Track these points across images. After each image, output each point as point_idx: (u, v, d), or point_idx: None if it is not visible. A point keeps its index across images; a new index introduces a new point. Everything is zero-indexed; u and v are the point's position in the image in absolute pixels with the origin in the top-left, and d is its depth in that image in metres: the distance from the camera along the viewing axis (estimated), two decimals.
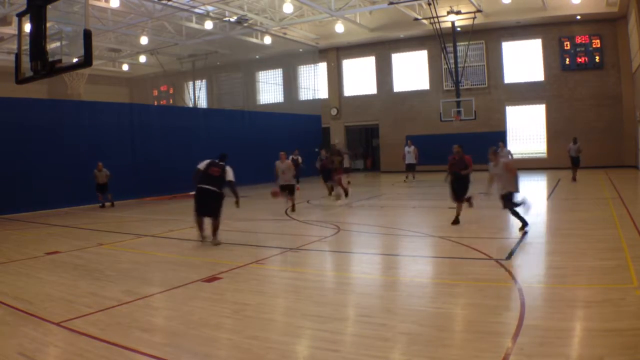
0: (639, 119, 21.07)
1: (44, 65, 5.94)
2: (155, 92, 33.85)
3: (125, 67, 32.25)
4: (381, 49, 28.00)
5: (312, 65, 28.89)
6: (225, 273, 6.69)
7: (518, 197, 8.80)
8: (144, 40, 24.91)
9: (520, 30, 24.65)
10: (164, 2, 19.56)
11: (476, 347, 3.98)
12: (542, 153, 25.22)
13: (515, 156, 25.33)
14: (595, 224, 9.55)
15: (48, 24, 6.11)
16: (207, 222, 8.82)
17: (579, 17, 22.75)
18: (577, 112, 23.85)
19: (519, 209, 8.83)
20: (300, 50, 27.91)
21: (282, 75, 31.27)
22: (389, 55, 28.10)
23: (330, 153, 15.79)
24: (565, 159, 22.94)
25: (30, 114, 14.80)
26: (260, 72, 32.12)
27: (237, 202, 8.87)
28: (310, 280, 6.52)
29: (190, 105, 31.54)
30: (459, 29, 23.70)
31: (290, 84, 30.78)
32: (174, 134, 18.58)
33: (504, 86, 25.61)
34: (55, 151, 15.01)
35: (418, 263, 7.42)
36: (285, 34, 26.25)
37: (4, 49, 23.50)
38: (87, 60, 5.62)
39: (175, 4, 20.20)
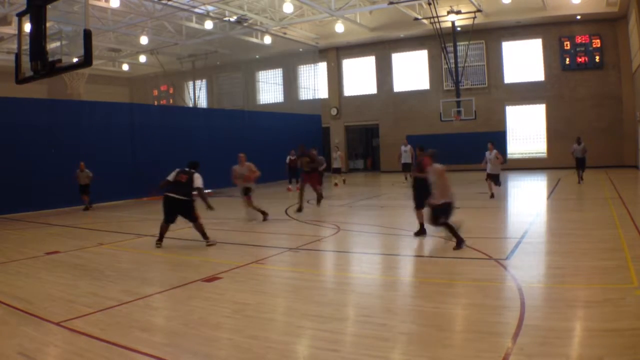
0: (639, 119, 21.07)
1: (44, 65, 5.94)
2: (155, 92, 33.85)
3: (125, 67, 32.26)
4: (381, 48, 28.00)
5: (312, 65, 28.88)
6: (225, 273, 6.69)
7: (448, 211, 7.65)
8: (144, 40, 24.92)
9: (520, 30, 24.66)
10: (164, 2, 19.56)
11: (476, 347, 3.98)
12: (542, 153, 25.23)
13: (515, 156, 25.51)
14: (595, 224, 9.55)
15: (48, 24, 6.12)
16: (192, 226, 8.78)
17: (579, 17, 22.75)
18: (577, 112, 23.86)
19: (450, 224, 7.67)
20: (300, 50, 27.90)
21: (282, 75, 31.28)
22: (389, 55, 28.11)
23: (300, 153, 13.62)
24: (565, 159, 22.98)
25: (30, 114, 14.80)
26: (260, 72, 32.12)
27: (208, 207, 8.72)
28: (310, 280, 6.52)
29: (190, 105, 31.54)
30: (459, 28, 23.70)
31: (290, 84, 30.78)
32: (174, 134, 18.57)
33: (504, 86, 25.62)
34: (55, 151, 15.01)
35: (418, 263, 7.42)
36: (285, 33, 26.25)
37: (4, 49, 23.50)
38: (87, 60, 5.62)
39: (175, 4, 20.20)
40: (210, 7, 22.31)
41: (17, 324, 4.91)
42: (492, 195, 14.00)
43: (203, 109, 29.56)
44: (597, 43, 23.31)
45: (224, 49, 27.91)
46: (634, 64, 21.47)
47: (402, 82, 28.03)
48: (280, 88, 31.39)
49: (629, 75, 22.61)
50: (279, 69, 31.10)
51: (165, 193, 8.69)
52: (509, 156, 25.61)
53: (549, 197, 14.72)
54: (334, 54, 29.31)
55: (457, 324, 4.76)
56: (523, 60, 25.09)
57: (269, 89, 31.76)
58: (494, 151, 14.05)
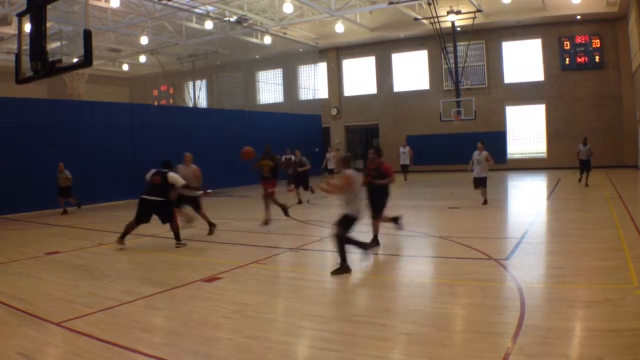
0: (639, 119, 21.07)
1: (44, 65, 5.94)
2: (155, 92, 33.86)
3: (125, 67, 32.26)
4: (381, 49, 28.00)
5: (312, 65, 28.89)
6: (225, 273, 6.69)
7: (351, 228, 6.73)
8: (144, 40, 24.91)
9: (520, 30, 24.66)
10: (164, 2, 19.55)
11: (476, 347, 3.98)
12: (542, 153, 25.23)
13: (515, 156, 25.51)
14: (595, 224, 9.55)
15: (48, 24, 6.12)
16: (162, 227, 8.80)
17: (579, 17, 22.75)
18: (577, 112, 23.85)
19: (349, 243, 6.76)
20: (300, 50, 27.91)
21: (282, 75, 31.28)
22: (389, 55, 28.10)
23: (263, 155, 11.15)
24: (565, 159, 23.03)
25: (30, 114, 14.80)
26: (260, 72, 32.12)
27: (205, 192, 8.86)
28: (310, 280, 6.52)
29: (190, 105, 31.54)
30: (459, 28, 23.70)
31: (290, 84, 30.78)
32: (174, 134, 18.57)
33: (504, 86, 25.61)
34: (55, 151, 15.01)
35: (418, 263, 7.42)
36: (285, 34, 26.25)
37: (4, 49, 23.50)
38: (87, 60, 5.62)
39: (175, 4, 20.20)
40: (210, 7, 22.31)
41: (17, 324, 4.91)
42: (485, 202, 12.72)
43: (203, 109, 29.56)
44: (597, 43, 23.30)
45: (224, 49, 27.91)
46: (634, 64, 21.46)
47: (402, 82, 28.03)
48: (280, 88, 31.39)
49: (629, 75, 22.60)
50: (279, 69, 31.10)
51: (141, 195, 8.72)
52: (509, 156, 25.64)
53: (549, 197, 14.72)
54: (334, 54, 29.31)
55: (457, 324, 4.76)
56: (523, 60, 25.08)
57: (269, 89, 31.76)
58: (484, 152, 12.65)
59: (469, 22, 23.07)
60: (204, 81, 32.38)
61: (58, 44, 6.78)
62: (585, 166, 16.27)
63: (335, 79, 29.62)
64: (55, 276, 6.96)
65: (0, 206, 13.64)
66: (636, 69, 20.86)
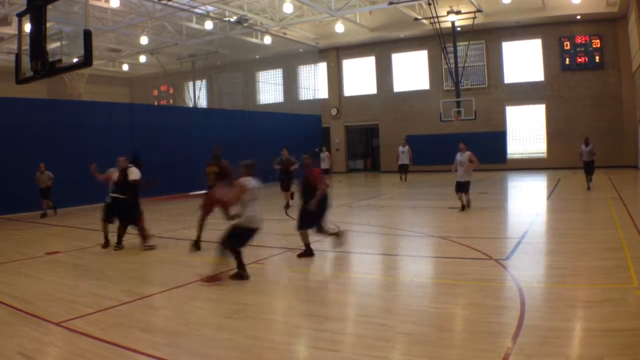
0: (639, 119, 21.07)
1: (44, 65, 5.93)
2: (155, 92, 33.88)
3: (125, 67, 32.27)
4: (381, 49, 28.00)
5: (312, 65, 28.89)
6: (225, 273, 6.68)
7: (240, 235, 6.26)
8: (144, 40, 24.92)
9: (520, 30, 24.66)
10: (164, 2, 19.55)
11: (476, 347, 3.98)
12: (542, 153, 25.22)
13: (515, 156, 25.50)
14: (595, 224, 9.55)
15: (48, 24, 6.11)
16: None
17: (579, 17, 22.75)
18: (577, 112, 23.85)
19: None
20: (300, 50, 27.91)
21: (282, 75, 31.29)
22: (389, 55, 28.10)
23: (211, 161, 9.08)
24: (565, 159, 23.04)
25: (30, 114, 14.80)
26: (260, 72, 32.13)
27: (152, 182, 8.68)
28: (310, 280, 6.52)
29: (190, 105, 31.54)
30: (459, 29, 23.70)
31: (290, 84, 30.79)
32: (174, 134, 18.58)
33: (504, 86, 25.62)
34: (55, 151, 15.00)
35: (418, 263, 7.42)
36: (285, 34, 26.25)
37: (4, 49, 23.49)
38: (87, 60, 5.62)
39: (175, 4, 20.20)
40: (210, 8, 22.31)
41: (17, 324, 4.91)
42: (463, 207, 11.56)
43: (203, 109, 29.55)
44: (597, 43, 23.30)
45: (224, 49, 27.92)
46: (634, 64, 21.46)
47: (402, 82, 28.03)
48: (280, 88, 31.40)
49: (629, 75, 22.60)
50: (279, 69, 31.11)
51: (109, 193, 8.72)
52: (509, 156, 25.64)
53: (549, 197, 14.72)
54: (334, 54, 29.31)
55: (457, 324, 4.76)
56: (523, 61, 25.08)
57: (269, 89, 31.77)
58: (467, 153, 11.62)
59: (469, 22, 23.07)
60: (204, 81, 32.39)
61: (58, 44, 6.77)
62: (587, 168, 14.98)
63: (335, 79, 29.62)
64: (55, 276, 6.96)
65: (0, 206, 13.63)
66: (636, 69, 20.85)
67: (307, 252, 7.49)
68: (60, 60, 6.04)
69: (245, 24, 24.16)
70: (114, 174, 8.82)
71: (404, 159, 19.80)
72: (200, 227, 8.37)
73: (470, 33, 23.46)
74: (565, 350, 3.89)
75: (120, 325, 4.80)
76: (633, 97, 22.35)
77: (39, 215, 13.89)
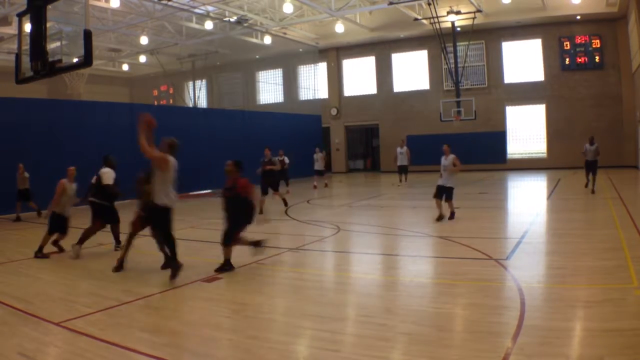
0: (639, 119, 21.07)
1: (44, 65, 5.94)
2: (155, 92, 33.87)
3: (125, 67, 32.27)
4: (381, 49, 28.01)
5: (312, 65, 28.89)
6: (225, 273, 6.69)
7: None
8: (144, 40, 24.93)
9: (520, 30, 24.67)
10: (164, 2, 19.56)
11: (476, 347, 3.98)
12: (542, 153, 25.23)
13: (515, 156, 25.51)
14: (595, 224, 9.55)
15: (48, 24, 6.11)
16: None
17: (579, 17, 22.76)
18: (577, 112, 23.86)
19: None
20: (300, 50, 27.91)
21: (282, 75, 31.29)
22: (389, 55, 28.11)
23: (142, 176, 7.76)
24: (565, 159, 23.06)
25: (30, 114, 14.79)
26: (260, 72, 32.14)
27: (120, 194, 8.20)
28: (310, 280, 6.51)
29: (190, 105, 31.54)
30: (459, 29, 23.70)
31: (290, 84, 30.79)
32: (174, 134, 18.49)
33: (504, 86, 25.62)
34: (55, 151, 15.00)
35: (418, 263, 7.42)
36: (285, 34, 26.26)
37: (4, 49, 23.50)
38: (87, 60, 5.62)
39: (175, 4, 20.20)
40: (210, 8, 22.32)
41: (17, 324, 4.91)
42: (440, 217, 10.28)
43: (203, 109, 29.53)
44: (597, 43, 23.31)
45: (224, 49, 27.91)
46: (634, 64, 21.46)
47: (402, 82, 28.03)
48: (280, 88, 31.40)
49: (629, 75, 22.60)
50: (279, 69, 31.11)
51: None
52: (509, 156, 25.65)
53: (549, 197, 14.72)
54: (334, 54, 29.32)
55: (457, 324, 4.76)
56: (523, 60, 25.09)
57: (269, 89, 31.77)
58: (451, 156, 10.46)
59: (469, 22, 23.08)
60: (204, 81, 32.40)
61: (58, 44, 6.78)
62: (591, 168, 14.26)
63: (335, 79, 29.62)
64: (55, 276, 6.96)
65: (0, 206, 13.61)
66: (636, 69, 20.86)
67: (227, 266, 6.76)
68: (60, 60, 6.04)
69: (245, 24, 24.16)
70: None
71: (402, 160, 19.52)
72: (127, 248, 7.36)
73: (470, 33, 23.46)
74: (565, 350, 3.89)
75: (120, 325, 4.80)
76: (633, 97, 22.35)
77: (13, 218, 13.10)
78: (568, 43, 23.78)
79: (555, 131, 24.47)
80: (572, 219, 10.45)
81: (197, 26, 23.85)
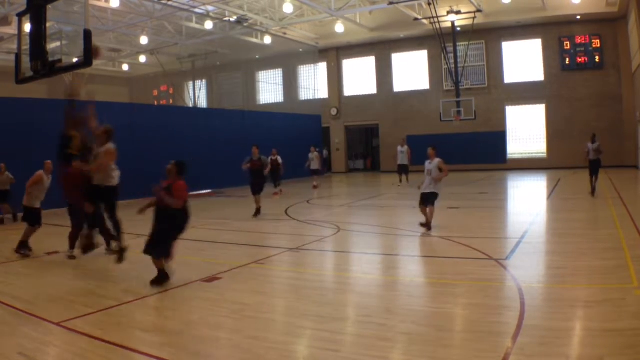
0: (639, 119, 21.07)
1: (44, 65, 5.93)
2: (155, 92, 33.85)
3: (125, 67, 32.27)
4: (381, 49, 28.01)
5: (312, 65, 28.89)
6: (225, 273, 6.69)
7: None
8: (144, 40, 24.92)
9: (520, 30, 24.67)
10: (164, 2, 19.56)
11: (476, 347, 3.98)
12: (542, 153, 25.23)
13: (515, 156, 25.51)
14: (595, 224, 9.55)
15: (48, 24, 6.11)
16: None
17: (579, 17, 22.76)
18: (577, 112, 23.86)
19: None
20: (300, 50, 27.91)
21: (282, 75, 31.29)
22: (389, 55, 28.11)
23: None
24: (565, 159, 23.07)
25: (31, 114, 14.79)
26: (260, 72, 32.14)
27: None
28: (310, 280, 6.51)
29: (190, 105, 31.54)
30: (459, 29, 23.71)
31: (290, 84, 30.79)
32: (174, 134, 18.57)
33: (504, 86, 25.62)
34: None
35: (418, 263, 7.42)
36: (285, 34, 26.26)
37: (4, 49, 23.49)
38: (87, 60, 5.62)
39: (175, 4, 20.20)
40: (210, 7, 22.32)
41: (17, 324, 4.91)
42: (423, 224, 9.32)
43: (203, 109, 29.55)
44: (597, 43, 23.31)
45: (224, 49, 27.91)
46: (634, 64, 21.47)
47: (402, 82, 28.04)
48: (280, 88, 31.40)
49: (629, 75, 22.61)
50: (279, 69, 31.12)
51: None
52: (509, 156, 25.66)
53: (548, 197, 14.71)
54: (334, 54, 29.32)
55: (457, 324, 4.76)
56: (523, 60, 25.09)
57: (269, 89, 31.77)
58: (436, 160, 9.37)
59: (469, 22, 23.08)
60: (204, 81, 32.40)
61: (58, 44, 6.79)
62: (593, 168, 13.54)
63: (335, 79, 29.63)
64: (55, 276, 6.96)
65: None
66: (636, 69, 20.86)
67: (162, 277, 6.13)
68: (60, 60, 6.04)
69: (245, 24, 24.17)
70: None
71: (403, 160, 19.30)
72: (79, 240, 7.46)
73: (470, 33, 23.47)
74: (565, 350, 3.89)
75: (120, 325, 4.80)
76: (633, 97, 22.36)
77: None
78: (568, 43, 23.79)
79: (555, 131, 24.47)
80: (572, 219, 10.44)
81: (197, 26, 23.85)
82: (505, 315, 4.65)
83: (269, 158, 17.14)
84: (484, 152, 25.33)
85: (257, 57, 29.83)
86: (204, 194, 18.69)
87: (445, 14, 22.76)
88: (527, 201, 14.88)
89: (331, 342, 4.23)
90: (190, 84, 32.64)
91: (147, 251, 6.18)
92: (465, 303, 5.27)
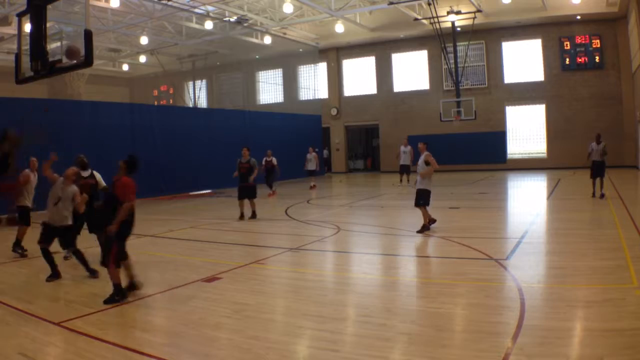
0: (639, 119, 21.07)
1: (44, 65, 5.93)
2: (155, 92, 33.84)
3: (125, 67, 32.26)
4: (381, 49, 28.00)
5: (312, 65, 28.88)
6: (225, 273, 6.69)
7: None
8: (144, 40, 24.92)
9: (520, 30, 24.65)
10: (164, 2, 19.55)
11: (476, 347, 3.98)
12: (542, 153, 25.22)
13: (515, 156, 25.51)
14: (595, 224, 9.55)
15: (48, 24, 6.10)
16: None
17: (579, 17, 22.75)
18: (577, 112, 23.85)
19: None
20: (300, 50, 27.91)
21: (282, 75, 31.29)
22: (389, 55, 28.11)
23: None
24: (565, 159, 23.05)
25: (31, 114, 14.78)
26: (260, 72, 32.13)
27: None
28: (310, 280, 6.52)
29: (190, 105, 31.54)
30: (459, 29, 23.70)
31: (290, 84, 30.78)
32: (174, 134, 18.57)
33: (504, 86, 25.61)
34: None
35: (418, 263, 7.42)
36: (285, 34, 26.26)
37: (4, 49, 23.49)
38: (87, 60, 5.62)
39: (175, 4, 20.19)
40: (210, 8, 22.31)
41: (17, 324, 4.91)
42: (429, 225, 9.21)
43: (203, 109, 29.54)
44: (597, 43, 23.29)
45: (224, 49, 27.91)
46: (634, 64, 21.46)
47: (402, 82, 28.02)
48: (280, 88, 31.40)
49: (629, 75, 22.60)
50: (279, 69, 31.11)
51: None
52: (509, 156, 25.65)
53: (548, 197, 14.71)
54: (334, 54, 29.31)
55: (457, 324, 4.76)
56: (523, 61, 25.08)
57: (269, 89, 31.76)
58: (425, 153, 9.21)
59: (469, 22, 23.07)
60: (204, 81, 32.39)
61: (58, 44, 6.77)
62: (598, 169, 12.69)
63: (335, 79, 29.62)
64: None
65: (0, 206, 13.61)
66: (636, 69, 20.85)
67: (118, 293, 5.55)
68: (60, 60, 6.03)
69: (245, 24, 24.16)
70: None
71: (406, 160, 19.17)
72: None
73: (470, 33, 23.46)
74: (565, 350, 3.89)
75: (120, 325, 4.80)
76: (633, 97, 22.35)
77: None
78: (568, 43, 23.78)
79: (555, 131, 24.46)
80: (572, 219, 10.44)
81: (197, 26, 23.84)
82: (505, 315, 4.65)
83: (264, 159, 17.06)
84: (484, 152, 25.32)
85: (257, 57, 29.82)
86: (204, 194, 18.69)
87: (445, 14, 22.75)
88: (527, 201, 14.88)
89: (331, 342, 4.23)
90: (190, 84, 32.63)
91: (104, 262, 5.82)
92: (465, 303, 5.27)
